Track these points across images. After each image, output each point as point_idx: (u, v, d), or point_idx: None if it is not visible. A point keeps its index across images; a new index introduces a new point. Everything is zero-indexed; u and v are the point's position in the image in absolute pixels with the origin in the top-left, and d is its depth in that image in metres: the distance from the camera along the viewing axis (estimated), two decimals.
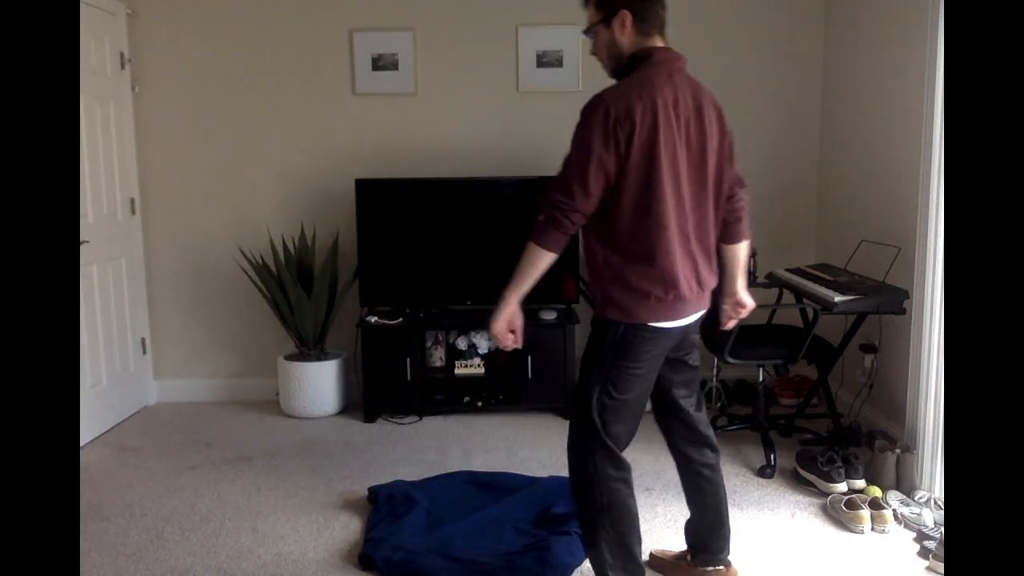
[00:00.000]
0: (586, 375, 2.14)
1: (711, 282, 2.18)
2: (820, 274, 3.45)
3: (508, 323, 2.13)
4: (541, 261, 2.05)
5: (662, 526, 2.79)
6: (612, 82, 2.12)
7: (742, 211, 2.28)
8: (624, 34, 2.07)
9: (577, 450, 2.16)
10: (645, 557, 2.57)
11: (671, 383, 2.29)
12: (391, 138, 4.20)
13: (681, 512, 2.88)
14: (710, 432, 2.33)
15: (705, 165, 2.07)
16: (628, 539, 2.14)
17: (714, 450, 2.34)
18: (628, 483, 2.15)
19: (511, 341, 2.15)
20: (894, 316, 3.26)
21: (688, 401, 2.31)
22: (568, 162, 2.00)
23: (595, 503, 2.12)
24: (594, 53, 2.16)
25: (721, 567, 2.37)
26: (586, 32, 2.14)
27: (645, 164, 1.96)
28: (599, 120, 1.96)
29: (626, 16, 2.05)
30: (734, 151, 2.20)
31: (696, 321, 2.21)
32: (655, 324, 2.06)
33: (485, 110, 4.18)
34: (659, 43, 2.09)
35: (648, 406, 2.23)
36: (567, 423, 3.80)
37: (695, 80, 2.11)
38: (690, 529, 2.41)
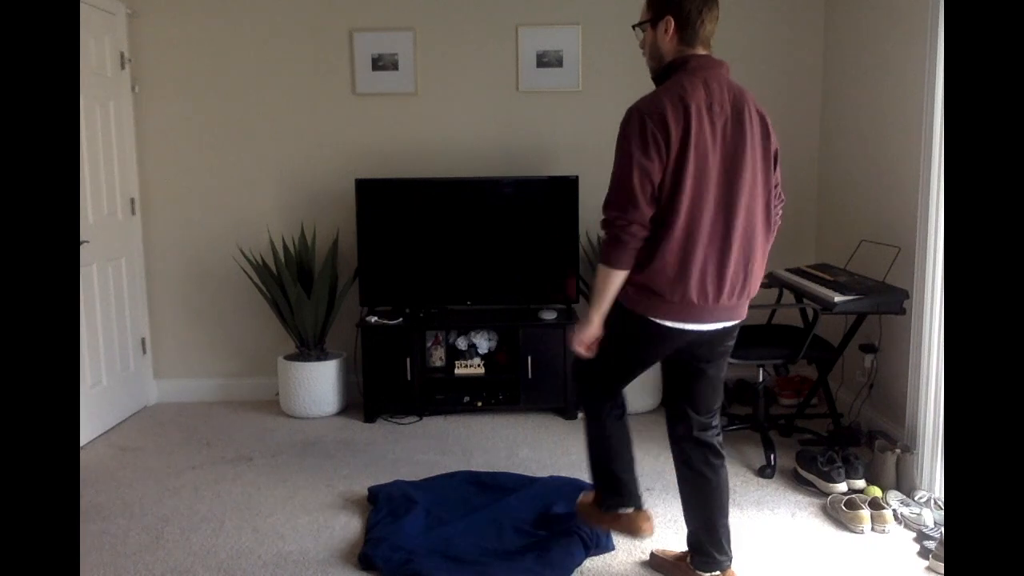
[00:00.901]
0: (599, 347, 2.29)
1: (747, 290, 2.16)
2: (820, 274, 3.45)
3: (589, 339, 2.23)
4: (614, 279, 2.11)
5: (662, 526, 2.79)
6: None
7: (773, 225, 2.26)
8: (666, 39, 2.12)
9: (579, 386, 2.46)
10: (645, 556, 2.58)
11: (683, 390, 2.30)
12: (391, 138, 4.20)
13: (682, 513, 2.88)
14: (715, 442, 2.32)
15: (741, 170, 2.07)
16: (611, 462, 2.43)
17: (718, 456, 2.31)
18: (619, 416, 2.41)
19: (586, 352, 2.27)
20: (894, 316, 3.26)
21: (696, 413, 2.30)
22: (613, 177, 2.07)
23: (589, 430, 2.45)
24: (642, 48, 2.22)
25: (717, 572, 2.35)
26: (635, 27, 2.21)
27: (675, 168, 2.01)
28: (635, 130, 2.02)
29: (670, 22, 2.10)
30: (779, 161, 2.20)
31: (722, 330, 2.18)
32: (658, 320, 2.11)
33: (485, 110, 4.18)
34: (701, 52, 2.12)
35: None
36: (567, 423, 3.84)
37: (738, 86, 2.11)
38: (688, 530, 2.41)
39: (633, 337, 2.20)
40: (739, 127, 2.06)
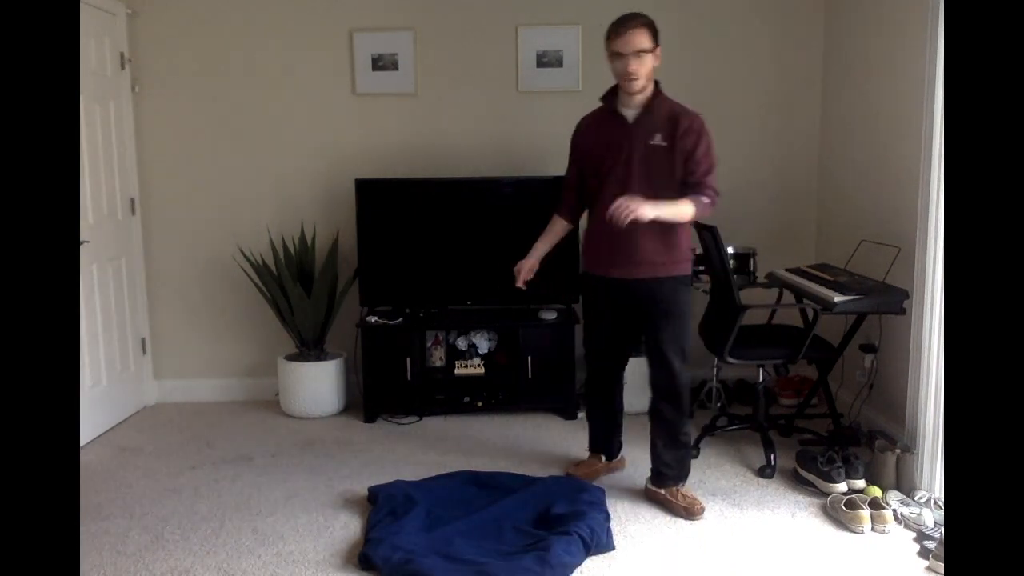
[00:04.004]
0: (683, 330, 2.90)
1: None
2: (820, 274, 3.45)
3: (641, 213, 2.60)
4: (682, 220, 2.74)
5: (663, 526, 2.79)
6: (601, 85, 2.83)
7: None
8: (656, 64, 2.78)
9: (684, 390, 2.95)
10: (646, 556, 2.58)
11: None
12: (391, 138, 4.20)
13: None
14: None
15: None
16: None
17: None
18: None
19: (631, 211, 2.58)
20: (894, 316, 3.26)
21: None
22: (712, 165, 2.79)
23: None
24: (636, 71, 2.70)
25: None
26: (644, 52, 2.70)
27: None
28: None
29: (659, 51, 2.75)
30: None
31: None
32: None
33: (485, 110, 4.18)
34: None
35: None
36: (567, 423, 3.84)
37: None
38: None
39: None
40: None
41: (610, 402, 3.18)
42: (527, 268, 3.05)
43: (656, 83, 2.80)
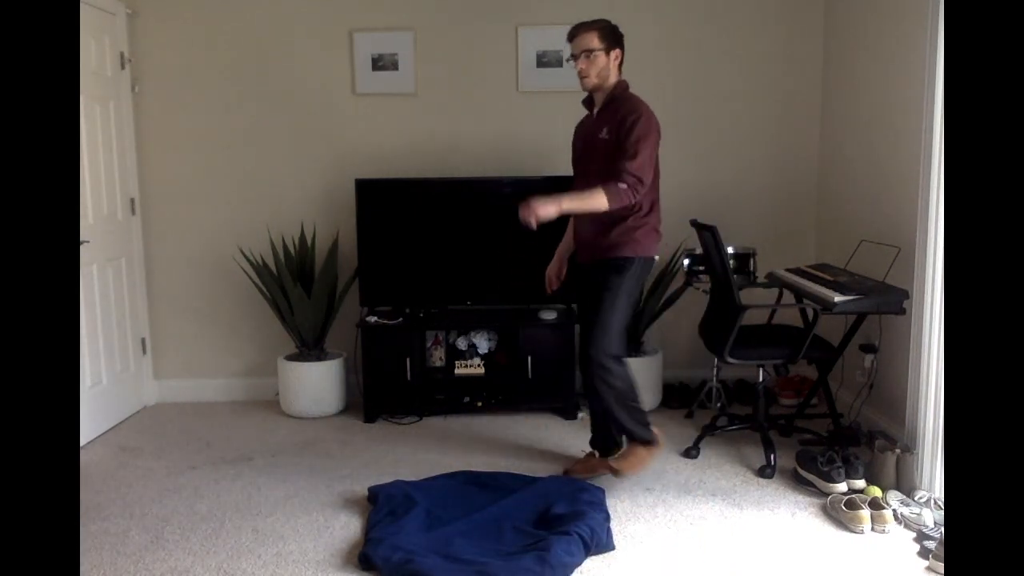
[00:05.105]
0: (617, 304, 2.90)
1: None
2: (820, 274, 3.45)
3: (544, 210, 2.71)
4: (599, 209, 2.78)
5: (663, 526, 2.79)
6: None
7: None
8: (615, 66, 2.93)
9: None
10: (646, 556, 2.58)
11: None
12: (391, 138, 4.20)
13: (682, 513, 2.88)
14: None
15: None
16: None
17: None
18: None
19: (533, 221, 2.70)
20: (894, 316, 3.26)
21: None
22: (643, 152, 2.79)
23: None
24: (584, 69, 2.89)
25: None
26: (587, 52, 2.87)
27: (656, 160, 2.93)
28: (656, 126, 2.85)
29: (619, 54, 2.93)
30: None
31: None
32: (655, 256, 2.99)
33: (485, 110, 4.18)
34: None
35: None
36: (567, 423, 3.84)
37: None
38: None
39: (640, 278, 2.94)
40: None
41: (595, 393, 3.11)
42: (554, 275, 3.31)
43: (621, 82, 2.95)
